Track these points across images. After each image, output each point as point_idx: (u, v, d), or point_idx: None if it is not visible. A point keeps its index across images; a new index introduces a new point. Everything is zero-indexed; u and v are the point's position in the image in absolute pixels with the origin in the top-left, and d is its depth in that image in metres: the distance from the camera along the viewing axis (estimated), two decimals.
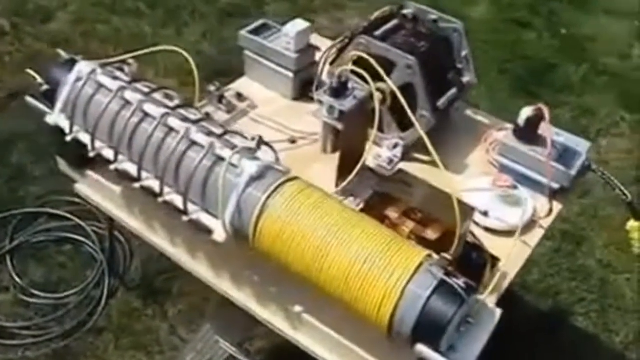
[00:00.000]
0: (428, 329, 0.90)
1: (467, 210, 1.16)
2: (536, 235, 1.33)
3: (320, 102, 1.32)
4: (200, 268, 1.21)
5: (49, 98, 1.18)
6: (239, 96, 1.54)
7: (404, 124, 1.41)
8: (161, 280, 2.11)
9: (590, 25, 3.43)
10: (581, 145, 1.41)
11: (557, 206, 1.36)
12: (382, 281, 0.92)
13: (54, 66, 1.19)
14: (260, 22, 1.61)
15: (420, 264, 0.93)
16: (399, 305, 0.91)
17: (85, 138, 1.14)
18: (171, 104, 1.09)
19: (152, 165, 1.07)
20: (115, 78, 1.14)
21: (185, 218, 1.05)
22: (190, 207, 1.05)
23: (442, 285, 0.91)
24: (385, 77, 1.30)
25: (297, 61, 1.52)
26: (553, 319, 2.14)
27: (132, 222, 1.27)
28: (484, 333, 0.97)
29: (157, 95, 1.12)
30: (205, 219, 1.04)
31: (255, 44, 1.56)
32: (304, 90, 1.56)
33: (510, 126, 1.53)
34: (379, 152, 1.41)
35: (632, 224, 1.42)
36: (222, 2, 3.30)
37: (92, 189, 1.32)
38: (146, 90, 1.12)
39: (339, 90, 1.28)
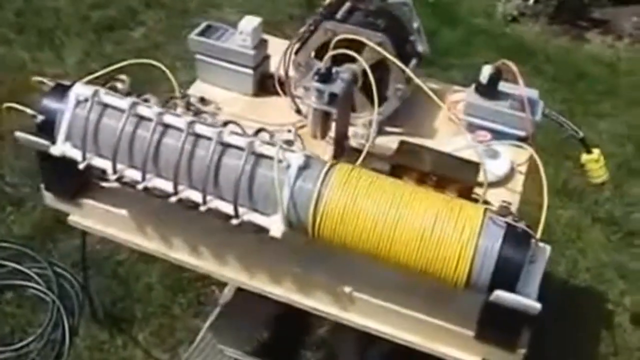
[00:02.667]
0: (505, 275, 0.97)
1: (475, 166, 1.25)
2: (519, 180, 1.43)
3: (306, 89, 1.33)
4: (231, 273, 1.20)
5: (43, 129, 1.12)
6: (202, 100, 1.52)
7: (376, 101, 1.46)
8: (120, 307, 2.04)
9: None
10: (534, 94, 1.54)
11: (529, 151, 1.47)
12: (455, 240, 0.97)
13: (43, 95, 1.12)
14: (204, 24, 1.60)
15: (483, 217, 0.98)
16: (475, 260, 0.97)
17: (101, 163, 1.08)
18: (188, 112, 1.07)
19: (187, 176, 1.04)
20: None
21: (234, 221, 1.04)
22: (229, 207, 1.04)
23: (509, 233, 0.97)
24: (361, 59, 1.35)
25: (255, 57, 1.53)
26: None
27: (146, 242, 1.23)
28: (540, 268, 1.04)
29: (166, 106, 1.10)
30: (257, 218, 1.03)
31: (208, 46, 1.54)
32: (262, 85, 1.57)
33: (459, 88, 1.64)
34: (356, 131, 1.45)
35: (586, 157, 1.56)
36: (95, 18, 3.17)
37: (91, 217, 1.27)
38: (153, 102, 1.09)
39: (326, 76, 1.30)
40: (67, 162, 1.15)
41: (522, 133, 1.47)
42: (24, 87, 2.78)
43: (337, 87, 1.30)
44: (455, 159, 1.27)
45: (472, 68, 3.00)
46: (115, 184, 1.20)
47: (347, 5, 1.49)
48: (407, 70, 1.32)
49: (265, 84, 1.57)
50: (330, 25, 1.41)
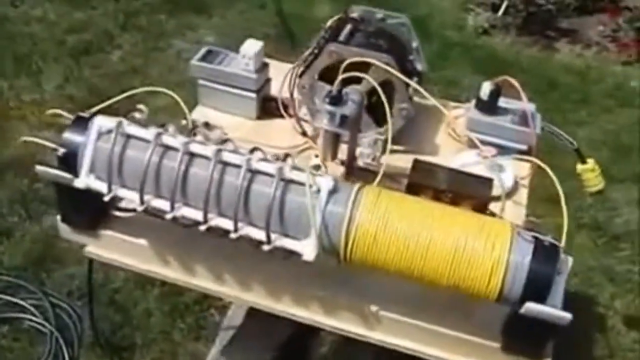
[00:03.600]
0: (536, 288, 1.00)
1: (489, 182, 1.28)
2: (523, 193, 1.47)
3: (311, 112, 1.35)
4: (257, 298, 1.21)
5: (64, 162, 1.11)
6: (207, 125, 1.52)
7: (381, 121, 1.49)
8: (120, 335, 2.02)
9: (423, 4, 3.71)
10: (530, 107, 1.58)
11: (529, 164, 1.51)
12: (487, 257, 0.99)
13: (65, 128, 1.12)
14: (204, 49, 1.60)
15: (512, 233, 1.01)
16: (507, 275, 0.99)
17: (127, 194, 1.08)
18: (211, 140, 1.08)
19: (216, 204, 1.05)
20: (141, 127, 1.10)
21: (266, 247, 1.05)
22: (260, 233, 1.05)
23: (538, 247, 1.00)
24: (371, 79, 1.37)
25: (258, 81, 1.54)
26: None
27: (168, 272, 1.23)
28: (563, 279, 1.07)
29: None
30: (289, 243, 1.04)
31: (210, 72, 1.55)
32: (264, 108, 1.59)
33: (457, 104, 1.68)
34: (361, 151, 1.47)
35: (581, 167, 1.61)
36: (71, 42, 3.14)
37: (109, 248, 1.26)
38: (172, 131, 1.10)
39: (338, 98, 1.32)
40: (85, 194, 1.15)
41: (523, 147, 1.51)
42: (2, 115, 2.75)
43: (349, 109, 1.32)
44: (468, 176, 1.30)
45: (451, 81, 3.12)
46: (131, 214, 1.22)
47: (348, 27, 1.51)
48: (420, 89, 1.36)
49: (268, 107, 1.59)
50: (334, 47, 1.43)
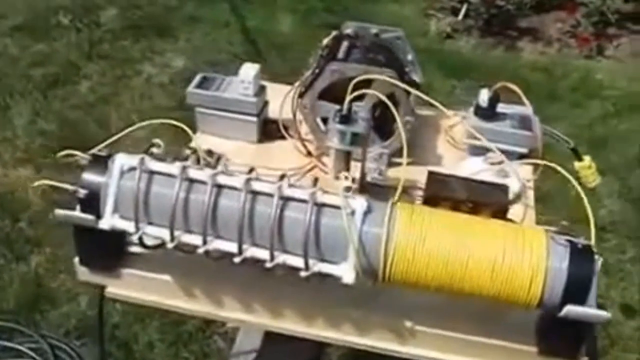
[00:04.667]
0: (575, 291, 1.01)
1: (504, 188, 1.30)
2: (531, 195, 1.49)
3: (315, 132, 1.34)
4: (288, 324, 1.19)
5: (85, 204, 1.09)
6: (210, 153, 1.51)
7: (384, 135, 1.49)
8: None
9: (385, 13, 3.75)
10: (527, 110, 1.61)
11: (533, 167, 1.54)
12: (526, 266, 1.00)
13: (83, 169, 1.09)
14: (198, 76, 1.58)
15: (547, 239, 1.03)
16: (546, 281, 1.00)
17: (155, 231, 1.06)
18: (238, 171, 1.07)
19: (249, 234, 1.04)
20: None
21: (303, 274, 1.04)
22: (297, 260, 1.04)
23: (574, 251, 1.02)
24: (381, 95, 1.37)
25: (258, 104, 1.53)
26: None
27: (195, 306, 1.21)
28: (595, 279, 1.09)
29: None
30: (327, 268, 1.04)
31: (208, 98, 1.53)
32: (264, 131, 1.58)
33: (450, 112, 1.70)
34: (368, 166, 1.48)
35: (578, 164, 1.64)
36: (37, 76, 3.08)
37: (130, 287, 1.23)
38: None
39: (347, 117, 1.32)
40: (104, 235, 1.13)
41: (524, 150, 1.54)
42: None
43: (360, 126, 1.33)
44: (482, 184, 1.31)
45: (422, 87, 3.14)
46: (151, 251, 1.20)
47: (345, 44, 1.52)
48: (429, 100, 1.37)
49: (267, 130, 1.58)
50: (336, 66, 1.43)
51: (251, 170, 1.06)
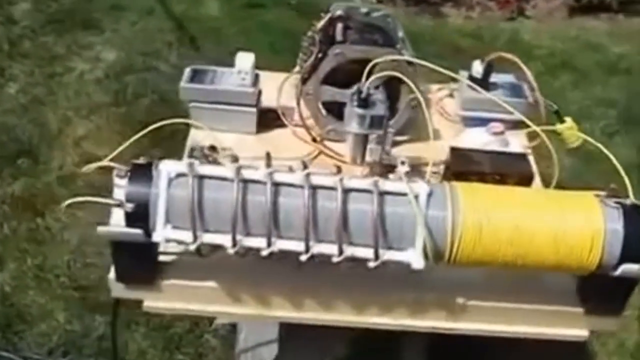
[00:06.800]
0: (631, 250, 1.05)
1: (524, 157, 1.33)
2: (533, 162, 1.53)
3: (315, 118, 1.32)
4: (341, 315, 1.18)
5: (132, 218, 1.03)
6: (213, 148, 1.46)
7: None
8: None
9: None
10: (512, 78, 1.65)
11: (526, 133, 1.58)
12: (586, 232, 1.03)
13: (126, 182, 1.03)
14: (188, 70, 1.52)
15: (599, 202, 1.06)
16: (605, 244, 1.04)
17: (215, 238, 1.02)
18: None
19: (314, 230, 1.02)
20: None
21: (372, 264, 1.03)
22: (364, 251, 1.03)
23: (626, 212, 1.06)
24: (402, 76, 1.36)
25: (256, 94, 1.49)
26: None
27: (243, 309, 1.17)
28: None
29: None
30: (395, 255, 1.03)
31: (204, 92, 1.48)
32: (261, 120, 1.54)
33: (436, 86, 1.72)
34: (370, 147, 1.47)
35: (561, 126, 1.70)
36: None
37: (170, 298, 1.18)
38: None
39: (366, 100, 1.31)
40: (143, 247, 1.07)
41: (518, 117, 1.58)
42: None
43: (380, 109, 1.32)
44: (503, 155, 1.34)
45: None
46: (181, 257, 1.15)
47: (340, 26, 1.50)
48: (440, 69, 1.38)
49: (264, 119, 1.54)
50: (339, 49, 1.41)
51: (304, 164, 1.04)
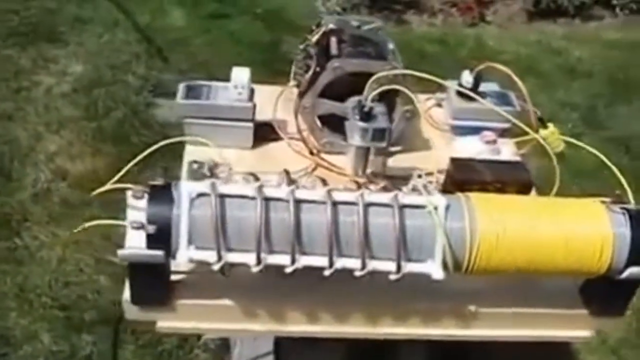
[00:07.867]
0: (638, 255, 1.09)
1: (523, 165, 1.37)
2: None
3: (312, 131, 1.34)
4: (355, 327, 1.20)
5: (153, 239, 1.02)
6: (216, 165, 1.45)
7: None
8: None
9: None
10: (497, 86, 1.69)
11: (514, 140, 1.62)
12: (595, 236, 1.07)
13: (146, 204, 1.02)
14: (182, 86, 1.51)
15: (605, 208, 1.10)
16: (614, 249, 1.08)
17: (239, 257, 1.02)
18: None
19: (337, 245, 1.03)
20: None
21: (393, 277, 1.04)
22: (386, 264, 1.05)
23: (632, 217, 1.10)
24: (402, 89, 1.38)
25: (252, 109, 1.49)
26: None
27: (257, 325, 1.17)
28: None
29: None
30: (415, 267, 1.05)
31: (200, 108, 1.47)
32: (257, 135, 1.54)
33: (424, 96, 1.75)
34: (371, 159, 1.49)
35: (544, 132, 1.75)
36: None
37: (184, 318, 1.17)
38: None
39: (368, 113, 1.33)
40: (157, 268, 1.07)
41: (506, 125, 1.62)
42: None
43: (382, 122, 1.34)
44: (502, 163, 1.37)
45: None
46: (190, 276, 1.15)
47: (334, 39, 1.51)
48: (436, 79, 1.40)
49: (259, 133, 1.54)
50: (338, 63, 1.42)
51: (324, 181, 1.05)
